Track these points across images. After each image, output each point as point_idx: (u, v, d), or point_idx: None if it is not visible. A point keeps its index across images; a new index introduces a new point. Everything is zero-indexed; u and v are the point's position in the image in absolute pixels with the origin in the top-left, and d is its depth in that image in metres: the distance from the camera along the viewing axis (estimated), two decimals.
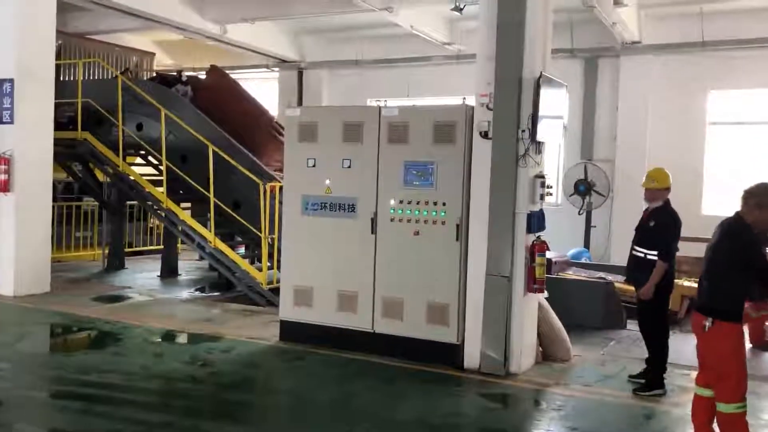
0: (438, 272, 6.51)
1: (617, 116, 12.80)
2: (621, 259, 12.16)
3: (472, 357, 6.42)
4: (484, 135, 6.31)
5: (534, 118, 6.09)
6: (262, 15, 12.58)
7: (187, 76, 12.72)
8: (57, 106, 10.09)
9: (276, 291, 9.51)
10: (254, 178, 9.86)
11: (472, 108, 6.43)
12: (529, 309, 6.52)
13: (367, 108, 6.84)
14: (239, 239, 11.66)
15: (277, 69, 16.19)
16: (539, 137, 6.16)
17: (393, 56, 14.24)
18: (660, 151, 12.39)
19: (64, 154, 11.15)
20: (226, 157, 9.96)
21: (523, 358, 6.40)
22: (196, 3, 12.47)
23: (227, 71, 12.88)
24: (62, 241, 12.99)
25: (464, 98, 6.47)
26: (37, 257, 9.51)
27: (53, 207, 9.97)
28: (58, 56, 11.75)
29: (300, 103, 15.86)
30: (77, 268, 12.38)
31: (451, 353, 6.50)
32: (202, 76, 13.32)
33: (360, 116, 6.86)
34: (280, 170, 11.69)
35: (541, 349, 6.85)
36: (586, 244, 12.47)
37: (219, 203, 10.07)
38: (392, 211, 6.68)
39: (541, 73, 6.15)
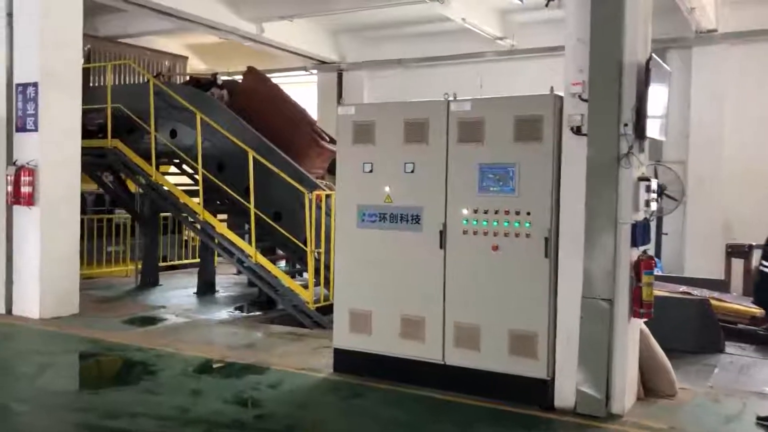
0: (522, 294, 5.51)
1: (690, 113, 11.65)
2: (695, 270, 11.16)
3: (564, 395, 5.41)
4: (577, 130, 5.32)
5: (641, 110, 5.08)
6: (301, 11, 11.75)
7: (223, 79, 11.95)
8: (85, 112, 9.36)
9: (323, 310, 8.67)
10: (298, 186, 8.99)
11: (561, 99, 5.44)
12: (633, 337, 5.49)
13: (432, 103, 5.87)
14: (280, 252, 10.85)
15: (315, 71, 15.37)
16: (649, 132, 5.14)
17: (439, 54, 13.34)
18: (738, 150, 11.24)
19: (94, 163, 10.42)
20: (267, 164, 9.10)
21: (627, 395, 5.37)
22: (231, 1, 11.68)
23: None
24: (93, 256, 12.29)
25: (551, 87, 5.48)
26: (65, 276, 8.73)
27: (83, 220, 9.22)
28: (87, 61, 11.08)
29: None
30: (109, 285, 11.64)
31: (540, 390, 5.48)
32: (238, 79, 12.57)
33: (424, 112, 5.90)
34: (322, 177, 10.90)
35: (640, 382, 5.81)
36: (657, 254, 11.33)
37: (260, 214, 9.22)
38: (465, 222, 5.71)
39: (651, 55, 5.14)
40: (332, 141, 11.64)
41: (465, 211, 5.70)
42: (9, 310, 8.71)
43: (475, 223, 5.66)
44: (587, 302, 5.26)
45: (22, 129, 8.58)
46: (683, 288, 8.94)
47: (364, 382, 6.02)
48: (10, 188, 8.46)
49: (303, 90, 15.71)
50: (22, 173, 8.38)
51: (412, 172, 5.93)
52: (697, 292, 8.74)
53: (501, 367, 5.60)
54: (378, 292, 6.12)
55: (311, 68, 15.11)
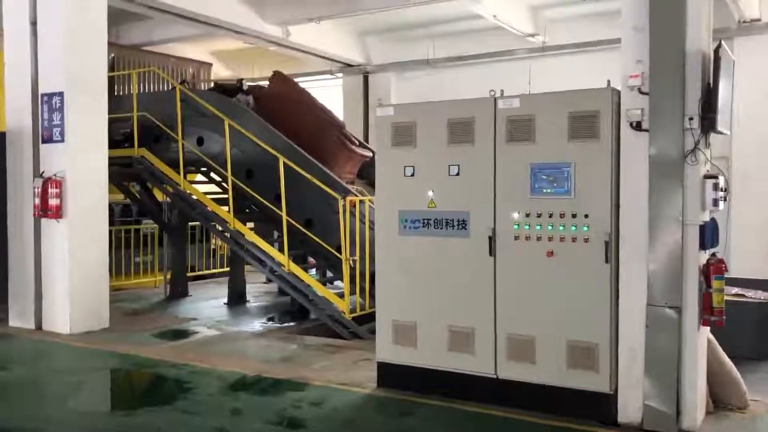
0: (581, 303, 5.14)
1: (733, 106, 11.13)
2: (740, 269, 10.66)
3: (629, 410, 5.03)
4: (637, 126, 4.95)
5: (711, 103, 4.71)
6: (328, 13, 11.45)
7: (248, 85, 11.71)
8: (111, 122, 9.15)
9: (360, 320, 8.36)
10: (330, 191, 8.69)
11: (619, 93, 5.07)
12: (703, 347, 5.10)
13: (478, 100, 5.53)
14: (310, 260, 10.57)
15: (340, 74, 15.10)
16: (719, 126, 4.76)
17: (469, 53, 12.99)
18: None
19: (121, 173, 10.21)
20: (298, 169, 8.82)
21: (698, 409, 4.97)
22: (256, 4, 11.44)
23: None
24: (121, 267, 12.12)
25: (608, 80, 5.12)
26: (94, 290, 8.50)
27: (110, 231, 9.01)
28: (111, 69, 10.89)
29: (366, 110, 14.74)
30: (138, 297, 11.43)
31: (602, 405, 5.11)
32: (263, 84, 12.32)
33: (469, 111, 5.55)
34: (352, 182, 10.61)
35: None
36: None
37: (291, 221, 8.94)
38: (516, 227, 5.35)
39: (720, 42, 4.77)
40: (361, 145, 11.36)
41: (516, 215, 5.35)
42: (39, 326, 8.50)
43: (527, 227, 5.30)
44: (653, 310, 4.89)
45: (48, 140, 8.38)
46: (736, 290, 8.48)
47: (411, 398, 5.68)
48: (37, 201, 8.26)
49: (328, 94, 15.44)
50: (50, 185, 8.17)
51: (457, 174, 5.60)
52: (751, 294, 8.28)
53: (558, 380, 5.24)
54: (423, 303, 5.78)
55: (337, 71, 14.83)
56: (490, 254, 5.45)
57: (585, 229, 5.11)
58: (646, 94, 4.89)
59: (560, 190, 5.18)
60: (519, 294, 5.37)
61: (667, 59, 4.81)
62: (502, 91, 5.45)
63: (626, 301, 5.03)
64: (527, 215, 5.31)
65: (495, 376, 5.48)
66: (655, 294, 4.86)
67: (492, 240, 5.44)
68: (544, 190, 5.24)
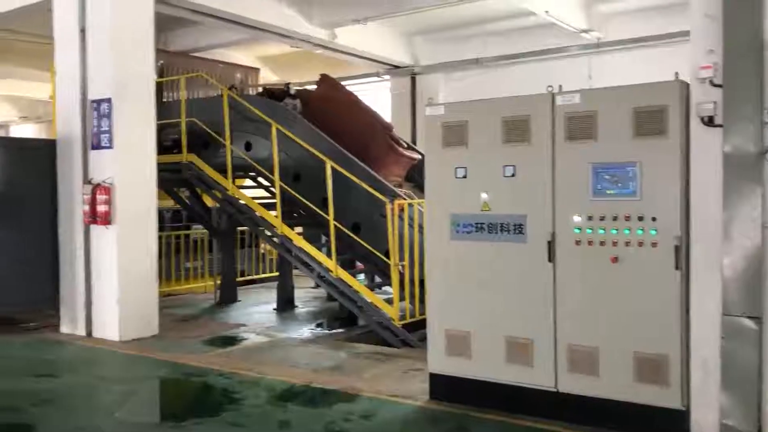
0: (649, 312, 4.79)
1: None
2: None
3: (703, 427, 4.65)
4: (709, 121, 4.59)
5: None
6: (374, 13, 11.24)
7: (295, 89, 11.62)
8: (160, 128, 9.14)
9: (410, 327, 8.12)
10: (378, 195, 8.49)
11: (688, 86, 4.72)
12: None
13: (534, 97, 5.23)
14: (358, 264, 10.39)
15: (387, 77, 14.89)
16: None
17: (520, 51, 12.63)
18: None
19: (170, 179, 10.21)
20: (346, 173, 8.65)
21: None
22: (303, 7, 11.33)
23: None
24: (171, 273, 12.17)
25: (676, 72, 4.77)
26: (144, 297, 8.47)
27: (160, 237, 8.99)
28: (160, 76, 10.94)
29: (413, 112, 14.50)
30: (188, 303, 11.44)
31: (672, 422, 4.75)
32: (310, 88, 12.22)
33: (525, 108, 5.26)
34: (400, 185, 10.39)
35: None
36: None
37: (339, 226, 8.77)
38: (577, 230, 5.03)
39: None
40: (409, 147, 11.14)
41: (577, 219, 5.03)
42: (89, 333, 8.51)
43: (589, 231, 4.98)
44: (729, 320, 4.50)
45: (97, 146, 8.39)
46: None
47: (466, 411, 5.40)
48: (86, 207, 8.28)
49: (376, 96, 15.27)
50: (98, 192, 8.17)
51: (513, 175, 5.31)
52: None
53: (625, 395, 4.89)
54: (478, 312, 5.50)
55: (383, 73, 14.63)
56: (549, 260, 5.14)
57: (653, 232, 4.76)
58: (719, 86, 4.52)
59: (625, 191, 4.85)
60: (581, 302, 5.04)
61: (743, 48, 4.43)
62: (560, 86, 5.15)
63: (698, 311, 4.66)
64: (589, 218, 4.98)
65: (555, 390, 5.16)
66: (732, 303, 4.48)
67: (551, 245, 5.13)
68: (608, 192, 4.91)
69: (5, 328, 8.98)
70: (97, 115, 8.33)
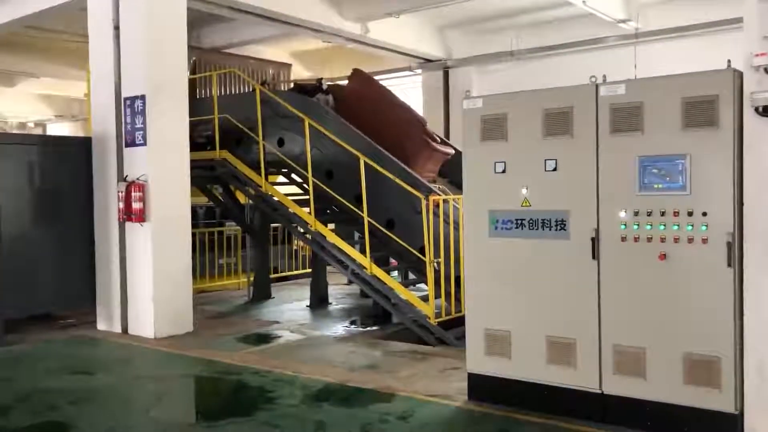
0: (699, 311, 4.59)
1: None
2: None
3: None
4: (763, 111, 4.36)
5: None
6: (406, 6, 11.10)
7: (327, 84, 11.52)
8: (193, 125, 9.12)
9: (446, 325, 7.97)
10: (413, 191, 8.34)
11: (741, 74, 4.49)
12: None
13: (577, 88, 5.06)
14: (392, 261, 10.27)
15: (420, 71, 14.73)
16: None
17: (556, 42, 12.38)
18: None
19: (203, 176, 10.20)
20: (379, 169, 8.52)
21: None
22: (335, 1, 11.22)
23: None
24: (205, 269, 12.19)
25: (729, 60, 4.55)
26: (178, 294, 8.47)
27: (194, 234, 8.97)
28: (192, 72, 10.93)
29: (446, 106, 14.32)
30: (221, 299, 11.45)
31: (725, 426, 4.54)
32: (342, 83, 12.12)
33: (567, 100, 5.07)
34: (434, 181, 10.23)
35: None
36: None
37: (373, 222, 8.65)
38: (623, 227, 4.84)
39: None
40: (443, 142, 10.96)
41: (623, 214, 4.84)
42: (125, 329, 8.54)
43: (636, 227, 4.78)
44: None
45: (131, 143, 8.40)
46: None
47: (506, 413, 5.25)
48: (121, 205, 8.29)
49: (408, 90, 15.13)
50: (133, 189, 8.18)
51: (554, 170, 5.13)
52: None
53: (673, 397, 4.69)
54: (517, 310, 5.35)
55: (416, 67, 14.47)
56: (593, 257, 4.96)
57: (703, 228, 4.55)
58: None
59: (674, 185, 4.64)
60: (627, 301, 4.85)
61: None
62: (604, 76, 4.95)
63: (753, 310, 4.44)
64: (636, 214, 4.78)
65: (600, 392, 4.98)
66: None
67: (595, 242, 4.95)
68: (655, 186, 4.70)
69: (44, 324, 9.07)
70: (131, 113, 8.34)
